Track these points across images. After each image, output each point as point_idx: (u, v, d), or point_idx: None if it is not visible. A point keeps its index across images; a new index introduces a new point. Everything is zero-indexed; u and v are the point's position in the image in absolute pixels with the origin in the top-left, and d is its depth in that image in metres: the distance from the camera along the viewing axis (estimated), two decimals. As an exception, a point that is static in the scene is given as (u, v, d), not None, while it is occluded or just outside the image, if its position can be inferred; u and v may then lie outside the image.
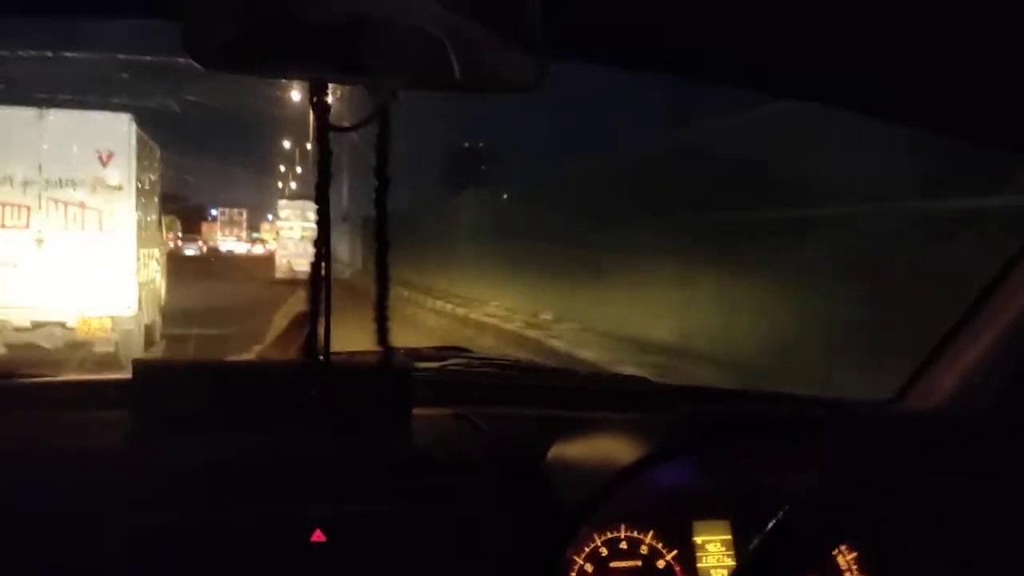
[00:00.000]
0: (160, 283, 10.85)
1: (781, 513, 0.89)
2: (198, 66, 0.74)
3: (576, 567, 1.09)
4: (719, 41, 0.83)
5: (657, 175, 7.86)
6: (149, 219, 9.98)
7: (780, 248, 5.59)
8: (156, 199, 10.62)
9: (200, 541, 0.94)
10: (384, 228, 0.98)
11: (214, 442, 1.04)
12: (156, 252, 10.55)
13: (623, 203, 8.50)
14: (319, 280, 0.97)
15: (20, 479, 0.97)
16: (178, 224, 12.56)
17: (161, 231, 11.23)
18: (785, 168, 5.65)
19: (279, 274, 20.21)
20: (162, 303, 10.97)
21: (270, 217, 22.33)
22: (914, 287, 4.09)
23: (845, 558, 1.18)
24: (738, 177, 6.28)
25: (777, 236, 5.70)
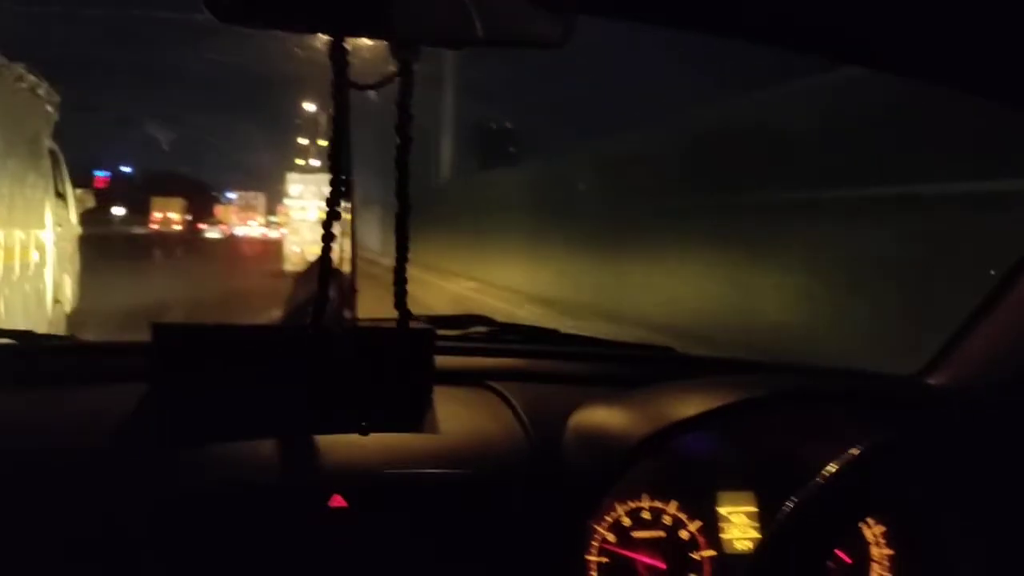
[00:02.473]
0: (52, 283, 7.24)
1: (808, 485, 0.88)
2: (215, 19, 0.72)
3: (598, 537, 1.08)
4: None
5: (693, 154, 7.58)
6: (6, 187, 6.23)
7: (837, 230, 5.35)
8: (38, 158, 7.08)
9: (218, 505, 0.93)
10: (405, 190, 0.96)
11: (234, 406, 1.03)
12: (36, 237, 6.87)
13: (662, 183, 8.08)
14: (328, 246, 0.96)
15: (40, 446, 0.97)
16: (92, 198, 9.00)
17: (66, 207, 7.88)
18: (823, 148, 5.49)
19: (289, 265, 17.25)
20: (67, 311, 7.66)
21: (286, 201, 20.90)
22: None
23: (872, 531, 1.16)
24: (776, 157, 6.05)
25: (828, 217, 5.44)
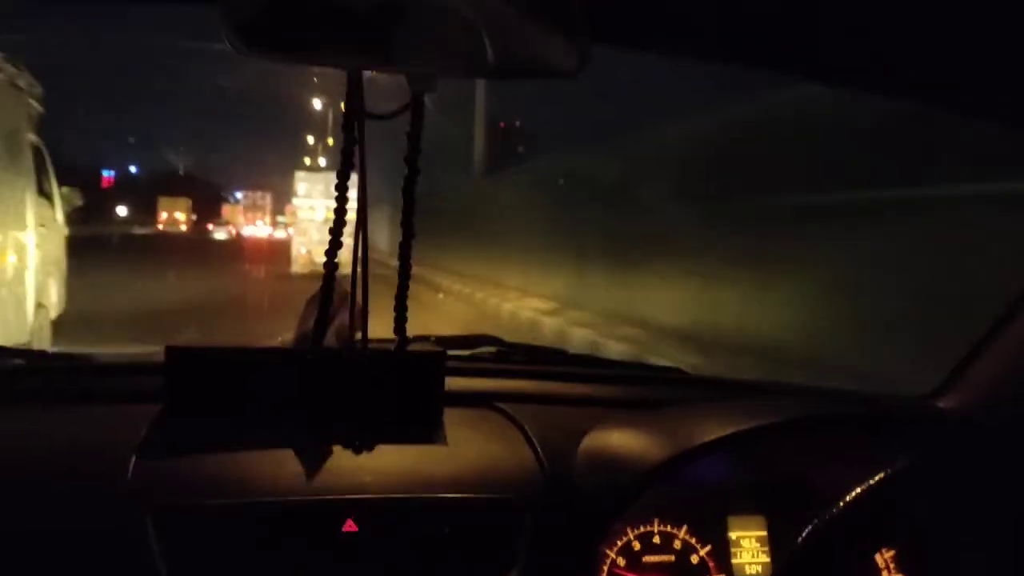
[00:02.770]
0: (34, 287, 6.59)
1: (825, 513, 0.88)
2: (234, 52, 0.73)
3: (608, 561, 1.08)
4: (765, 26, 0.80)
5: (702, 156, 7.34)
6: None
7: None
8: (19, 154, 6.41)
9: (231, 529, 0.93)
10: (410, 216, 0.97)
11: (245, 428, 1.03)
12: (15, 238, 6.32)
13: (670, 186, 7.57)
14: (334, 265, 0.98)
15: (48, 467, 0.97)
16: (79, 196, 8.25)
17: (51, 206, 7.28)
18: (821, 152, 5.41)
19: (296, 268, 16.71)
20: (52, 316, 7.07)
21: (294, 200, 20.55)
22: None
23: (883, 556, 1.16)
24: (784, 159, 5.92)
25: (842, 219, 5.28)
